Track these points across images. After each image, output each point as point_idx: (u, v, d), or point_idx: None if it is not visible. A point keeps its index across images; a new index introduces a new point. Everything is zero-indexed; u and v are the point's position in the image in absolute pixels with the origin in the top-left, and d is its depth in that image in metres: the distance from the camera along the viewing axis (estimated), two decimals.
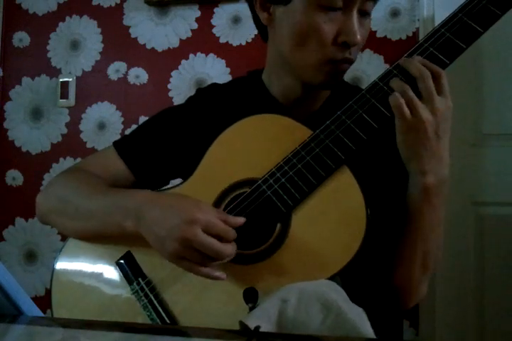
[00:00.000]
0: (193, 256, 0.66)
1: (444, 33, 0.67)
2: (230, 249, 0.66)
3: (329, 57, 0.76)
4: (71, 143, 1.96)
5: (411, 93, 0.65)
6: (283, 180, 0.70)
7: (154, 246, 0.70)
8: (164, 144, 0.88)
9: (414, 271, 0.75)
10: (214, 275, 0.67)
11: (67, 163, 1.95)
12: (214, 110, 0.88)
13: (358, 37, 0.73)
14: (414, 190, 0.71)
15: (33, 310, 0.61)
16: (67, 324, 0.64)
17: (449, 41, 0.66)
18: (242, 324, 0.58)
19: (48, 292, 2.14)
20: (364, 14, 0.76)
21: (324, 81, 0.79)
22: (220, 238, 0.66)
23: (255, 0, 0.81)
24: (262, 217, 0.72)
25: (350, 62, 0.78)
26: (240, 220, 0.69)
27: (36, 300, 2.00)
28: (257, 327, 0.56)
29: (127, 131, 1.89)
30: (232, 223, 0.68)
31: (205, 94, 0.93)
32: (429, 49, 0.67)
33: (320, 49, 0.75)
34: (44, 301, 2.15)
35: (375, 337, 0.56)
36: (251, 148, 0.75)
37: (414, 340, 1.58)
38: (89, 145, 1.94)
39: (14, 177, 2.02)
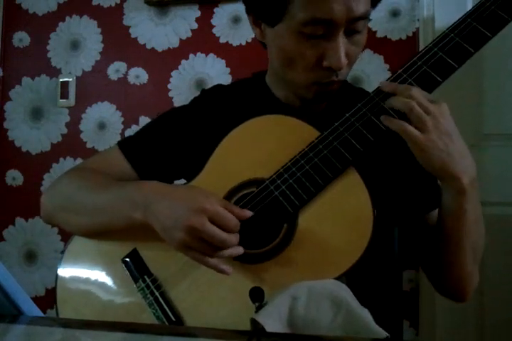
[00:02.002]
0: (199, 246, 0.67)
1: (453, 37, 0.67)
2: (234, 239, 0.67)
3: (314, 80, 0.76)
4: (71, 143, 1.96)
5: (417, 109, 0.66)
6: (290, 180, 0.71)
7: (162, 236, 0.70)
8: (169, 145, 0.88)
9: (467, 267, 0.76)
10: (220, 267, 0.68)
11: (67, 163, 1.95)
12: (219, 111, 0.88)
13: (342, 62, 0.72)
14: (452, 194, 0.71)
15: (33, 310, 0.61)
16: (67, 324, 0.64)
17: (458, 46, 0.67)
18: (253, 321, 0.58)
19: (48, 292, 2.14)
20: (353, 33, 0.74)
21: (314, 99, 0.80)
22: (226, 228, 0.66)
23: (248, 15, 0.82)
24: (268, 217, 0.72)
25: (338, 83, 0.78)
26: (247, 213, 0.69)
27: (36, 300, 2.00)
28: (261, 328, 0.56)
29: (127, 131, 1.89)
30: (239, 215, 0.68)
31: (210, 94, 0.93)
32: (439, 53, 0.68)
33: (305, 72, 0.76)
34: (44, 301, 2.15)
35: (385, 333, 0.56)
36: (258, 148, 0.75)
37: (414, 340, 1.58)
38: (89, 145, 1.94)
39: (14, 177, 2.02)
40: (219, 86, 0.95)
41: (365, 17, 0.73)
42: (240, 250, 0.68)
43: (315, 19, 0.70)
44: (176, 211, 0.67)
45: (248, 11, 0.81)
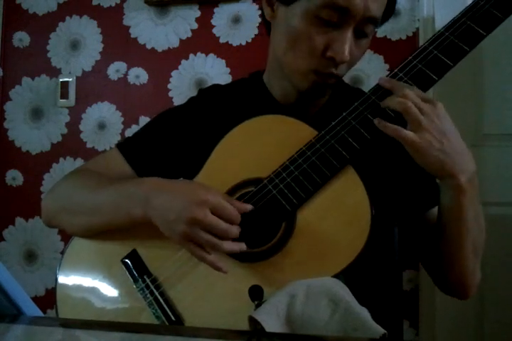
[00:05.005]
0: (201, 238, 0.67)
1: (448, 36, 0.68)
2: (236, 230, 0.68)
3: (314, 67, 0.77)
4: (71, 143, 1.96)
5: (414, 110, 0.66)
6: (288, 179, 0.71)
7: (163, 230, 0.71)
8: (168, 145, 0.88)
9: (468, 264, 0.76)
10: (217, 264, 0.68)
11: (67, 163, 1.95)
12: (216, 111, 0.89)
13: (346, 55, 0.73)
14: (450, 192, 0.71)
15: (33, 310, 0.61)
16: (67, 324, 0.64)
17: (453, 44, 0.68)
18: (251, 319, 0.58)
19: (48, 292, 2.14)
20: (362, 35, 0.76)
21: (309, 89, 0.80)
22: (227, 219, 0.67)
23: None
24: (267, 215, 0.72)
25: (336, 77, 0.78)
26: (247, 206, 0.70)
27: (36, 300, 2.00)
28: (260, 326, 0.56)
29: (127, 131, 1.89)
30: (239, 208, 0.69)
31: (207, 94, 0.93)
32: (434, 51, 0.68)
33: (308, 57, 0.76)
34: (44, 301, 2.14)
35: (383, 330, 0.56)
36: (256, 148, 0.75)
37: (414, 340, 1.58)
38: (89, 145, 1.94)
39: (14, 177, 2.02)
40: (216, 86, 0.96)
41: (376, 22, 0.76)
42: (243, 246, 0.69)
43: (334, 4, 0.71)
44: (177, 204, 0.68)
45: None
